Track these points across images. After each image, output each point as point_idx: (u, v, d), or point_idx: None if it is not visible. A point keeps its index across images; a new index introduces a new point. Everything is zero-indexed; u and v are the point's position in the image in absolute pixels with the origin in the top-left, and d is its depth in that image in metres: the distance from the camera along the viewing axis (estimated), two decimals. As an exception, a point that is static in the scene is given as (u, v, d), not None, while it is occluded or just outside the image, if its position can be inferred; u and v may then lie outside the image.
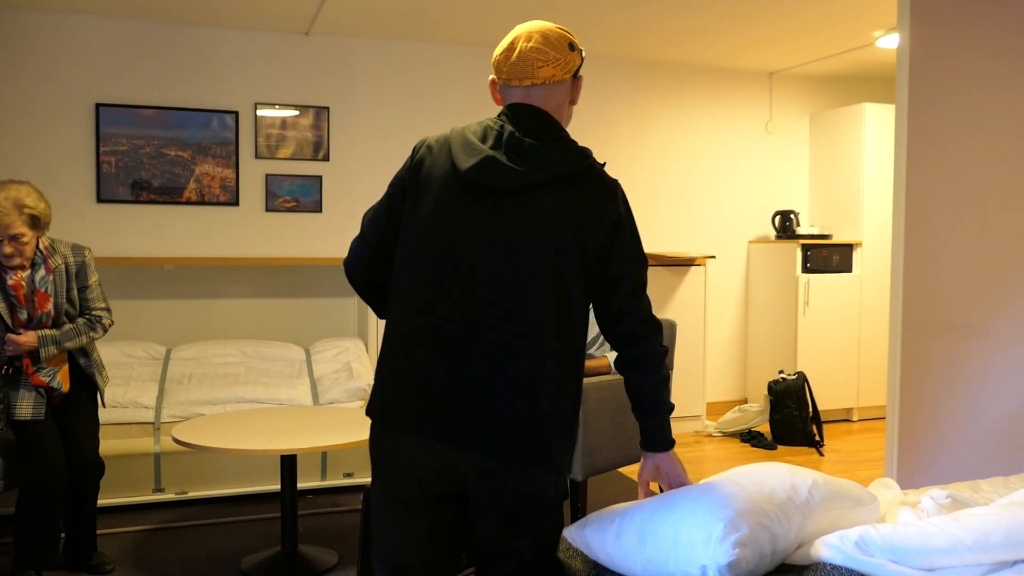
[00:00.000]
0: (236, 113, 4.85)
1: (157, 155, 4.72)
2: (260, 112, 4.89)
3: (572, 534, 1.79)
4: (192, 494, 3.96)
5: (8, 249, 2.88)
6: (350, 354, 4.65)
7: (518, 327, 1.61)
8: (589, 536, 1.75)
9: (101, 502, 3.76)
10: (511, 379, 1.60)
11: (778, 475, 1.71)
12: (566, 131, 1.72)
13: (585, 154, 1.68)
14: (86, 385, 3.24)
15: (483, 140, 1.67)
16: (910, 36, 2.91)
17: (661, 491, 1.78)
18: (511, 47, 1.70)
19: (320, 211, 5.03)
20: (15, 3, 4.35)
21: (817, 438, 5.12)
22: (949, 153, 2.90)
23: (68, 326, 3.08)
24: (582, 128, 5.53)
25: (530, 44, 1.69)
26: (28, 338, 2.97)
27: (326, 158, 5.02)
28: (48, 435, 3.07)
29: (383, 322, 4.85)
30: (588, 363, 3.56)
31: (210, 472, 3.96)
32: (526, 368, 1.60)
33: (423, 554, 1.73)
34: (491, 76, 1.75)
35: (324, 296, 5.08)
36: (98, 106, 4.61)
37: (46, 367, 3.05)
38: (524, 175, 1.62)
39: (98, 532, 3.58)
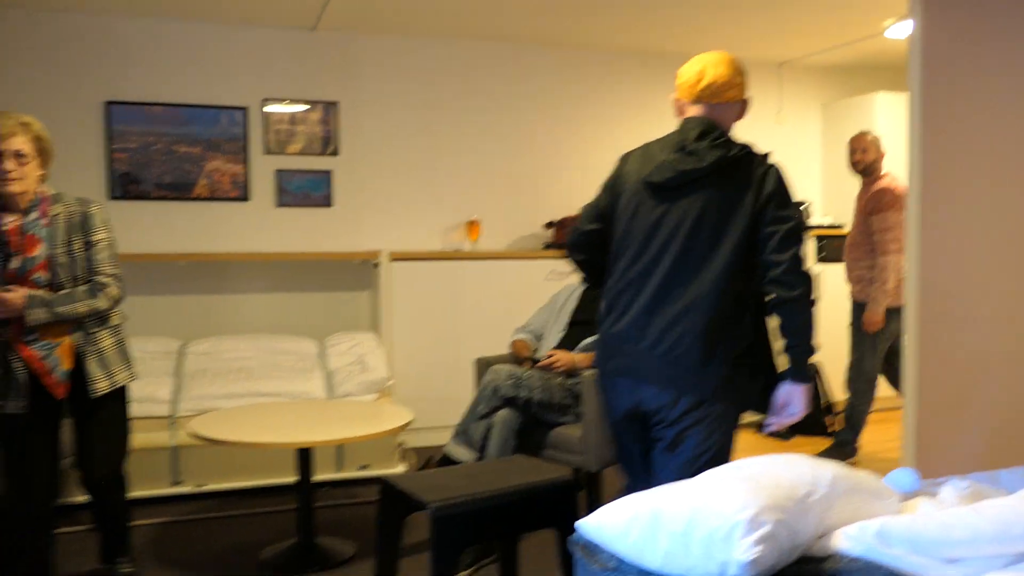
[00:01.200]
0: (245, 109, 4.86)
1: (168, 152, 4.74)
2: (268, 108, 4.90)
3: (588, 525, 1.80)
4: (210, 487, 4.00)
5: (9, 164, 2.58)
6: (364, 347, 4.67)
7: (692, 289, 2.15)
8: (606, 528, 1.76)
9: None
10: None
11: (798, 468, 1.72)
12: (727, 133, 2.23)
13: (740, 145, 2.20)
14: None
15: (663, 150, 2.23)
16: (922, 23, 2.90)
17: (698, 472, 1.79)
18: (701, 73, 2.22)
19: (330, 205, 5.04)
20: (24, 3, 4.36)
21: (831, 429, 5.12)
22: (964, 141, 2.89)
23: (66, 290, 2.66)
24: (593, 120, 5.52)
25: (719, 71, 2.22)
26: (15, 295, 2.57)
27: (335, 153, 5.03)
28: (35, 447, 2.69)
29: (397, 315, 4.87)
30: (583, 357, 3.55)
31: (227, 465, 3.99)
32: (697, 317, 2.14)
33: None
34: (674, 95, 2.28)
35: (336, 290, 5.10)
36: (108, 104, 4.63)
37: (40, 339, 2.62)
38: (689, 172, 2.15)
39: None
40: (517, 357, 3.76)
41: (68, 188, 4.60)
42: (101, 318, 2.75)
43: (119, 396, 2.83)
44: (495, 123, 5.34)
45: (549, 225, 5.34)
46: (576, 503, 2.36)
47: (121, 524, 3.00)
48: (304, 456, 3.31)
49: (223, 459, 3.97)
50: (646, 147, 2.30)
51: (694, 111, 2.24)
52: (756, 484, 1.63)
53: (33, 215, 2.65)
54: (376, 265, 4.91)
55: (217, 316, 4.87)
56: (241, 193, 4.87)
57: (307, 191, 4.99)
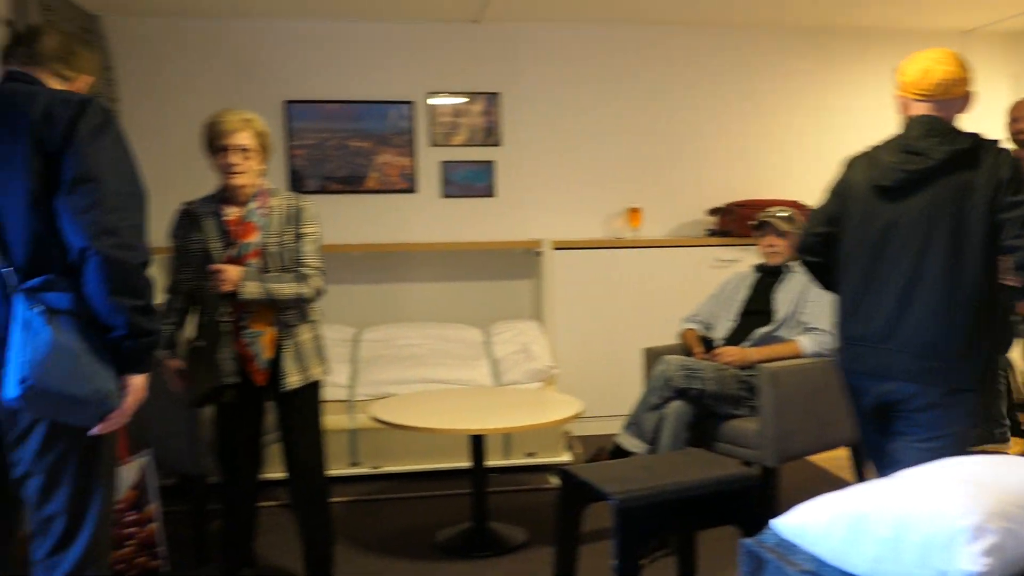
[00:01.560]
0: (411, 103, 5.00)
1: (341, 147, 4.95)
2: (432, 101, 5.03)
3: (786, 524, 1.74)
4: (385, 469, 4.17)
5: (235, 158, 2.70)
6: (527, 336, 4.73)
7: (942, 283, 2.21)
8: (807, 528, 1.69)
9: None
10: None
11: (1021, 471, 1.59)
12: (955, 126, 2.25)
13: (969, 135, 2.22)
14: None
15: (887, 152, 2.29)
16: None
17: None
18: (927, 71, 2.25)
19: (492, 195, 5.12)
20: (212, 12, 4.66)
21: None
22: None
23: (275, 273, 2.73)
24: (759, 104, 5.33)
25: (945, 67, 2.25)
26: (234, 268, 2.66)
27: (497, 143, 5.10)
28: (241, 428, 2.86)
29: (559, 304, 4.90)
30: (777, 348, 3.45)
31: (401, 448, 4.14)
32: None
33: None
34: (898, 92, 2.31)
35: (500, 279, 5.18)
36: (288, 103, 4.89)
37: (248, 327, 2.71)
38: (916, 171, 2.21)
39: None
40: (687, 347, 3.70)
41: (252, 184, 4.94)
42: (301, 313, 2.79)
43: (314, 389, 2.87)
44: (657, 108, 5.25)
45: (713, 212, 5.21)
46: (761, 500, 2.30)
47: (325, 544, 2.93)
48: (478, 442, 3.39)
49: (398, 442, 4.13)
50: (871, 151, 2.38)
51: (920, 108, 2.28)
52: (976, 487, 1.52)
53: (253, 205, 2.76)
54: (538, 254, 4.95)
55: (388, 304, 5.06)
56: (409, 185, 5.03)
57: (470, 182, 5.09)
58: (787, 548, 1.75)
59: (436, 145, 5.05)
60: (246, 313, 2.71)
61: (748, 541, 1.79)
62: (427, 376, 4.30)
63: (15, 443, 1.89)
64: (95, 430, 1.86)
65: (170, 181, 4.80)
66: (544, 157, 5.17)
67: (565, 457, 4.31)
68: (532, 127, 5.14)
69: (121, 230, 1.80)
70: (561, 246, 4.92)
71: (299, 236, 2.77)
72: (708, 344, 3.59)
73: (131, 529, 3.04)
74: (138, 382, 1.89)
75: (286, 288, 2.70)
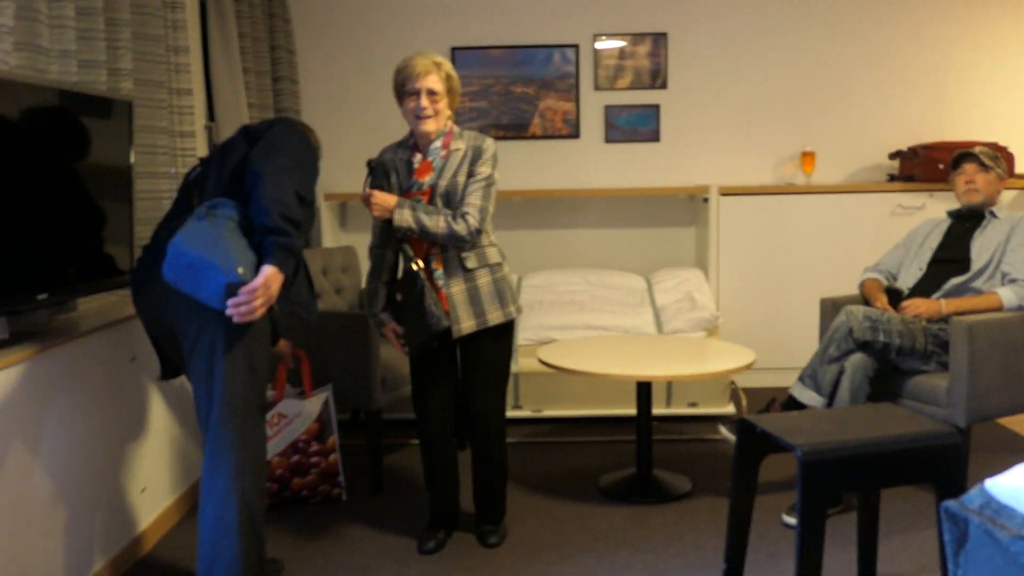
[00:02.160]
0: (576, 47, 4.92)
1: (505, 93, 4.95)
2: (598, 44, 4.92)
3: (1002, 486, 1.61)
4: (547, 412, 4.22)
5: (424, 102, 2.65)
6: (691, 284, 4.62)
7: None
8: (1024, 491, 1.56)
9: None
10: None
11: None
12: None
13: None
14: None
15: None
16: None
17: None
18: None
19: (658, 140, 4.99)
20: (384, -42, 4.74)
21: None
22: None
23: (433, 206, 2.70)
24: (944, 37, 4.90)
25: None
26: (385, 196, 2.68)
27: (663, 86, 4.95)
28: (432, 373, 2.83)
29: (725, 252, 4.75)
30: (973, 300, 3.20)
31: (563, 393, 4.18)
32: None
33: None
34: None
35: (662, 226, 5.07)
36: (453, 50, 4.93)
37: (436, 268, 2.72)
38: None
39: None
40: (868, 298, 3.49)
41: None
42: (479, 255, 2.75)
43: (497, 333, 2.80)
44: (830, 46, 4.92)
45: (895, 155, 4.86)
46: (961, 460, 2.15)
47: (496, 486, 2.93)
48: (644, 390, 3.36)
49: (560, 387, 4.17)
50: None
51: None
52: None
53: (436, 144, 2.72)
54: (705, 200, 4.80)
55: (550, 250, 5.07)
56: (572, 131, 4.98)
57: (635, 126, 4.98)
58: (998, 511, 1.63)
59: (600, 89, 4.96)
60: (431, 255, 2.72)
61: (951, 503, 1.68)
62: (590, 322, 4.29)
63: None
64: (229, 311, 2.06)
65: (344, 129, 4.98)
66: (711, 100, 4.98)
67: (729, 408, 4.21)
68: (699, 69, 4.95)
69: (292, 170, 2.26)
70: (728, 192, 4.75)
71: (471, 174, 2.71)
72: (892, 296, 3.37)
73: (315, 459, 3.22)
74: (269, 272, 2.10)
75: (440, 222, 2.64)
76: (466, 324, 2.73)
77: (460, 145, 2.74)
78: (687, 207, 5.08)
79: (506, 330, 2.84)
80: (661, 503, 3.26)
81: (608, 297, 4.58)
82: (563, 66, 4.93)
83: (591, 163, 5.01)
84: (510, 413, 4.20)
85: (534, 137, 4.99)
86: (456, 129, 2.78)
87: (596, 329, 4.27)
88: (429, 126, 2.69)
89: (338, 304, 4.19)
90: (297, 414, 3.17)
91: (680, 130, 4.99)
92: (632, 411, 4.15)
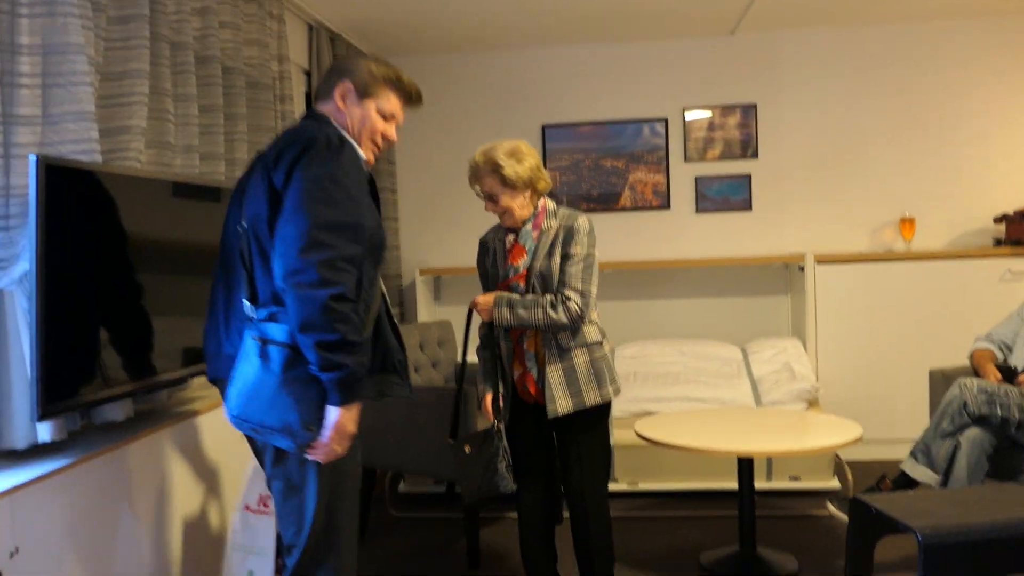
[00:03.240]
0: (665, 120, 4.99)
1: (595, 167, 5.04)
2: (688, 116, 4.98)
3: None
4: (643, 486, 4.15)
5: (489, 207, 2.69)
6: (788, 354, 4.53)
7: None
8: None
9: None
10: None
11: None
12: None
13: None
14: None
15: None
16: None
17: None
18: None
19: (750, 209, 4.97)
20: (475, 46, 4.93)
21: None
22: None
23: (532, 297, 2.64)
24: (1053, 94, 4.77)
25: None
26: (488, 296, 2.67)
27: (755, 155, 4.96)
28: (530, 453, 2.79)
29: (822, 321, 4.65)
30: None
31: (659, 466, 4.11)
32: None
33: None
34: None
35: (757, 295, 5.01)
36: (544, 127, 5.06)
37: (527, 348, 2.70)
38: None
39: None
40: (978, 370, 3.36)
41: (509, 206, 5.16)
42: (574, 334, 2.68)
43: (594, 414, 2.72)
44: (926, 109, 4.85)
45: (1001, 219, 4.71)
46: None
47: (597, 566, 2.81)
48: (746, 465, 3.28)
49: (656, 460, 4.10)
50: None
51: None
52: None
53: (527, 227, 2.69)
54: (801, 268, 4.73)
55: (642, 321, 5.06)
56: (663, 202, 5.01)
57: (726, 196, 4.98)
58: None
59: (690, 160, 4.99)
60: (523, 335, 2.71)
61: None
62: (686, 394, 4.24)
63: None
64: (309, 455, 1.88)
65: (438, 203, 5.14)
66: (803, 168, 4.94)
67: (833, 483, 4.07)
68: (790, 137, 4.94)
69: (313, 265, 1.76)
70: (824, 260, 4.68)
71: (566, 256, 2.65)
72: (1004, 374, 3.23)
73: None
74: (335, 415, 1.83)
75: (538, 313, 2.59)
76: (562, 404, 2.65)
77: (553, 224, 2.69)
78: (782, 276, 5.01)
79: (603, 411, 2.77)
80: (767, 583, 3.15)
81: (703, 368, 4.53)
82: (652, 139, 4.99)
83: (682, 234, 5.02)
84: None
85: (624, 209, 5.04)
86: (551, 207, 2.74)
87: (692, 401, 4.21)
88: (507, 222, 2.69)
89: (435, 378, 4.27)
90: None
91: (772, 199, 4.96)
92: (731, 484, 4.04)
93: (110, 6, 2.35)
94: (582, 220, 2.70)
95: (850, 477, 4.16)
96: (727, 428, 3.35)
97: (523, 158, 2.63)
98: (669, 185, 5.00)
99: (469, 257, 5.03)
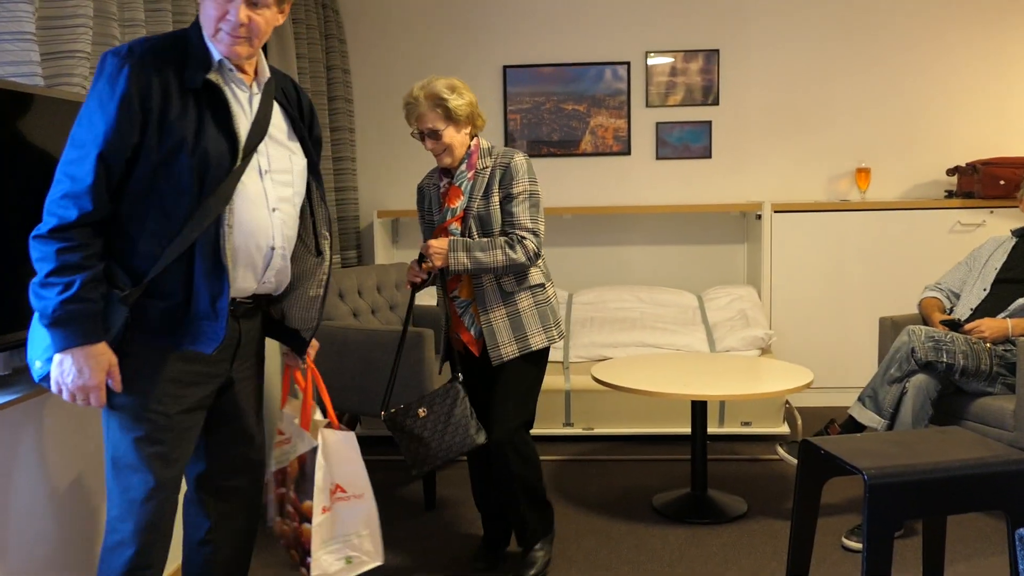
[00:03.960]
0: (628, 64, 4.93)
1: (556, 110, 4.98)
2: (651, 61, 4.93)
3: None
4: (598, 430, 4.20)
5: (429, 144, 2.57)
6: (744, 302, 4.58)
7: None
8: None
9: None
10: None
11: None
12: None
13: None
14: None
15: None
16: None
17: None
18: None
19: (709, 157, 4.97)
20: (437, -21, 4.81)
21: None
22: None
23: (485, 239, 2.55)
24: (1006, 47, 4.81)
25: None
26: (440, 240, 2.54)
27: (715, 102, 4.93)
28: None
29: (777, 270, 4.70)
30: (1017, 322, 3.11)
31: (614, 411, 4.16)
32: None
33: None
34: None
35: (714, 243, 5.04)
36: (505, 68, 4.97)
37: (458, 296, 2.62)
38: None
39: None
40: (927, 318, 3.43)
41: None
42: (518, 278, 2.60)
43: (531, 359, 2.63)
44: (885, 60, 4.86)
45: (953, 171, 4.78)
46: (1033, 486, 2.09)
47: (523, 505, 2.70)
48: (699, 409, 3.33)
49: (611, 405, 4.15)
50: None
51: None
52: None
53: (460, 167, 2.59)
54: (758, 217, 4.76)
55: (600, 267, 5.07)
56: (623, 147, 4.98)
57: (687, 142, 4.96)
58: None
59: (651, 106, 4.96)
60: (457, 281, 2.63)
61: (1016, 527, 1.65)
62: (642, 340, 4.28)
63: None
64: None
65: (397, 147, 5.05)
66: (764, 116, 4.94)
67: (783, 428, 4.16)
68: (752, 85, 4.93)
69: (48, 202, 1.70)
70: (782, 209, 4.71)
71: (509, 197, 2.55)
72: (950, 326, 3.29)
73: (289, 509, 2.29)
74: (56, 359, 1.71)
75: (497, 254, 2.51)
76: (507, 349, 2.58)
77: (488, 163, 2.60)
78: (739, 224, 5.04)
79: (543, 355, 2.69)
80: (717, 524, 3.22)
81: (660, 315, 4.56)
82: (614, 83, 4.94)
83: (642, 180, 5.01)
84: (560, 431, 4.20)
85: (585, 154, 5.00)
86: (484, 145, 2.63)
87: (648, 347, 4.25)
88: (445, 161, 2.59)
89: (392, 320, 4.23)
90: (291, 439, 2.29)
91: (732, 147, 4.96)
92: (684, 429, 4.13)
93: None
94: (519, 158, 2.59)
95: (799, 423, 4.26)
96: (681, 373, 3.38)
97: (463, 92, 2.56)
98: (630, 130, 4.97)
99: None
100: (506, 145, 4.93)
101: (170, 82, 1.74)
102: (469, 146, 2.60)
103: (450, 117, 2.52)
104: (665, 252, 5.07)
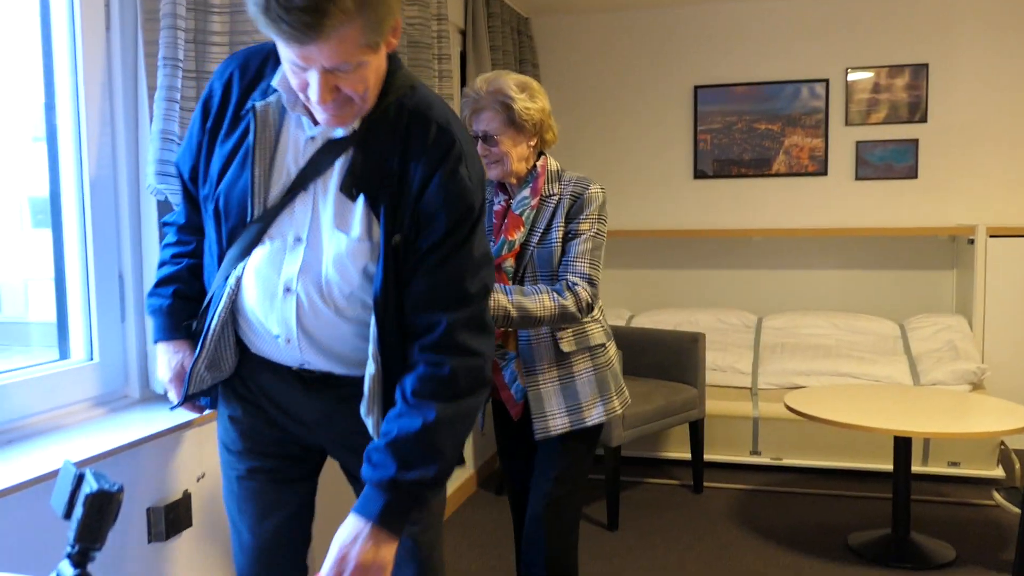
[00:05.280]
0: (826, 81, 4.75)
1: (748, 130, 4.86)
2: (851, 77, 4.71)
3: None
4: (787, 461, 4.04)
5: (481, 150, 2.08)
6: (952, 332, 4.27)
7: None
8: None
9: (707, 456, 3.99)
10: None
11: None
12: None
13: None
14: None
15: None
16: None
17: None
18: None
19: (915, 177, 4.68)
20: (625, 4, 4.83)
21: None
22: None
23: (532, 286, 2.08)
24: None
25: None
26: None
27: (923, 119, 4.64)
28: (509, 470, 2.36)
29: (990, 298, 4.35)
30: None
31: (806, 441, 3.99)
32: None
33: None
34: None
35: (919, 268, 4.73)
36: (696, 88, 4.92)
37: (504, 346, 2.14)
38: None
39: (705, 484, 3.87)
40: None
41: (659, 169, 5.09)
42: (577, 335, 2.14)
43: (582, 436, 2.17)
44: None
45: None
46: None
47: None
48: (903, 445, 3.14)
49: (802, 435, 3.98)
50: None
51: None
52: None
53: (524, 192, 2.12)
54: (970, 241, 4.43)
55: (792, 291, 4.89)
56: (819, 167, 4.79)
57: (890, 162, 4.70)
58: None
59: (851, 124, 4.74)
60: (507, 332, 2.14)
61: None
62: (837, 369, 4.08)
63: None
64: None
65: (584, 164, 5.11)
66: (978, 133, 4.60)
67: (997, 472, 3.83)
68: (963, 100, 4.60)
69: None
70: (997, 233, 4.35)
71: (573, 233, 2.09)
72: None
73: None
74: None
75: (544, 301, 2.02)
76: (556, 422, 2.11)
77: (555, 189, 2.12)
78: (948, 249, 4.71)
79: (598, 432, 2.22)
80: (921, 570, 3.02)
81: (857, 343, 4.34)
82: (811, 101, 4.77)
83: (839, 201, 4.79)
84: (747, 459, 4.08)
85: (778, 175, 4.85)
86: (553, 167, 2.16)
87: (844, 376, 4.05)
88: (493, 173, 2.11)
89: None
90: None
91: (942, 166, 4.65)
92: (882, 466, 3.91)
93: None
94: (594, 189, 2.13)
95: (1017, 466, 3.91)
96: (884, 406, 3.20)
97: (536, 95, 2.10)
98: (827, 150, 4.77)
99: (614, 219, 4.99)
100: (696, 166, 4.91)
101: (240, 94, 1.43)
102: (535, 166, 2.14)
103: (513, 122, 2.06)
104: (862, 277, 4.81)
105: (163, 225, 1.59)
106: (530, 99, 2.07)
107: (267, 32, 1.20)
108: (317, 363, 1.47)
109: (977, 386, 3.99)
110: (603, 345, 2.18)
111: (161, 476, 1.93)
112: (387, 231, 1.35)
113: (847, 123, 4.74)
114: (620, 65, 5.02)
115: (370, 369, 1.41)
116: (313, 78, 1.24)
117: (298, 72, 1.26)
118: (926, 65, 4.62)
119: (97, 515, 0.90)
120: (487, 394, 1.46)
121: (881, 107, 4.69)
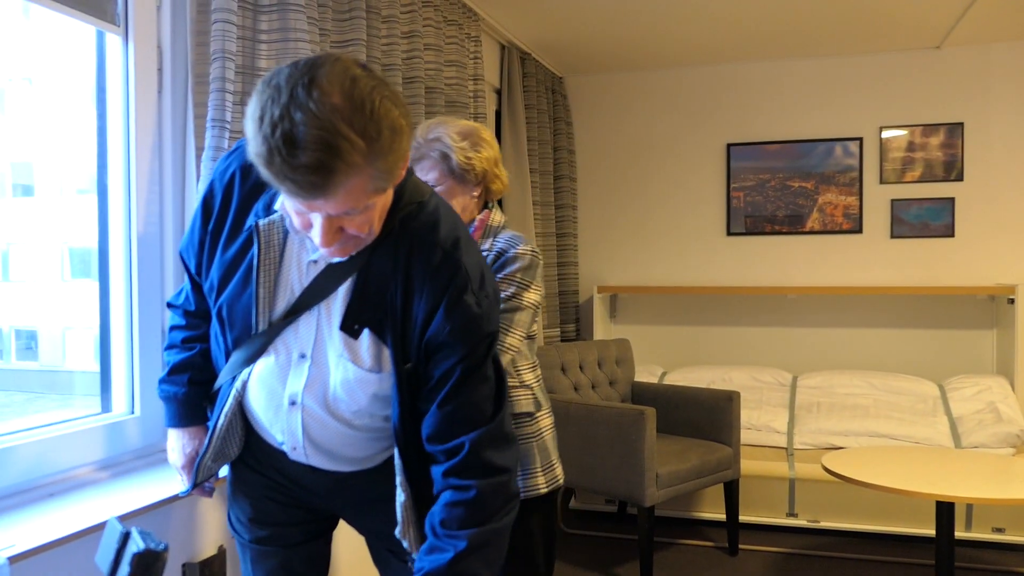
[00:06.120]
0: (860, 139, 4.75)
1: (781, 187, 4.87)
2: (885, 135, 4.72)
3: None
4: (824, 524, 3.95)
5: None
6: (993, 393, 4.18)
7: None
8: None
9: (742, 517, 3.92)
10: None
11: None
12: None
13: None
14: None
15: None
16: None
17: None
18: None
19: (952, 236, 4.64)
20: (658, 63, 4.90)
21: None
22: None
23: None
24: None
25: None
26: None
27: (959, 178, 4.62)
28: None
29: (1034, 360, 4.26)
30: None
31: (844, 504, 3.90)
32: None
33: None
34: None
35: (957, 328, 4.66)
36: (729, 146, 4.95)
37: None
38: None
39: (740, 546, 3.79)
40: None
41: (693, 226, 5.10)
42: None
43: (535, 505, 2.04)
44: None
45: None
46: None
47: None
48: (946, 511, 3.05)
49: (840, 497, 3.90)
50: None
51: None
52: None
53: None
54: (1011, 301, 4.36)
55: (827, 349, 4.83)
56: (854, 225, 4.77)
57: (926, 220, 4.67)
58: None
59: (886, 182, 4.73)
60: None
61: None
62: (875, 430, 4.01)
63: None
64: None
65: (617, 222, 5.14)
66: (1014, 193, 4.56)
67: (1045, 539, 3.71)
68: (1000, 159, 4.58)
69: None
70: (1039, 293, 4.28)
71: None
72: None
73: None
74: None
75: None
76: None
77: (486, 246, 1.98)
78: (987, 308, 4.64)
79: (533, 506, 2.03)
80: (967, 641, 2.91)
81: (895, 403, 4.26)
82: (845, 159, 4.77)
83: (875, 259, 4.75)
84: (783, 521, 3.99)
85: (812, 232, 4.83)
86: (495, 223, 2.02)
87: (882, 437, 3.98)
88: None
89: (612, 396, 4.25)
90: None
91: (979, 225, 4.61)
92: (922, 531, 3.81)
93: (333, 31, 2.52)
94: (522, 249, 1.97)
95: (1064, 533, 3.78)
96: (925, 469, 3.12)
97: (480, 144, 1.98)
98: (862, 208, 4.76)
99: (646, 275, 5.02)
100: (729, 223, 4.91)
101: (240, 201, 1.38)
102: (476, 217, 2.02)
103: (453, 173, 1.96)
104: (900, 336, 4.75)
105: (168, 307, 1.63)
106: (472, 148, 1.96)
107: (269, 182, 1.13)
108: (326, 465, 1.47)
109: (1020, 450, 3.90)
110: (531, 414, 2.03)
111: (198, 531, 1.94)
112: (397, 361, 1.32)
113: (882, 181, 4.73)
114: (653, 123, 5.08)
115: (399, 498, 1.40)
116: (317, 221, 1.18)
117: (301, 215, 1.20)
118: (961, 124, 4.61)
119: (144, 574, 0.91)
120: (517, 507, 1.40)
121: (916, 165, 4.68)
